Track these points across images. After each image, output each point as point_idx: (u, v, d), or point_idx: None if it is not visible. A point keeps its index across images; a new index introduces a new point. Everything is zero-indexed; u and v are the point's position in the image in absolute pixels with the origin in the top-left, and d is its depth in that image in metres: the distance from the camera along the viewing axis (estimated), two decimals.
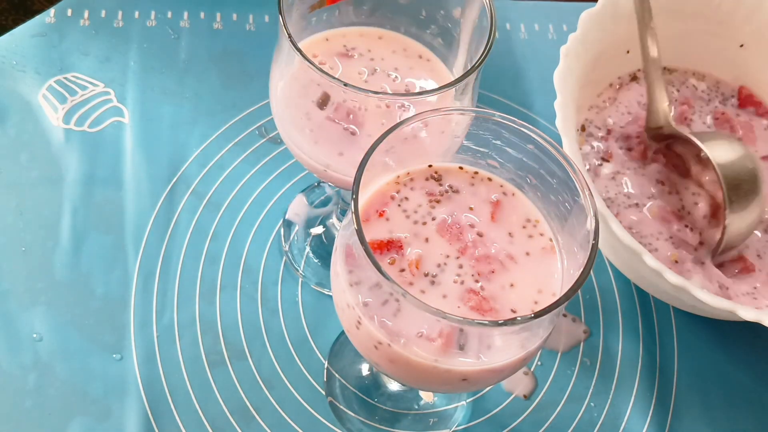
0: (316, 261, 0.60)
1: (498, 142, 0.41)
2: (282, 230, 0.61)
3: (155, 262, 0.58)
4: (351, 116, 0.44)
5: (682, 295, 0.51)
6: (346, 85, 0.40)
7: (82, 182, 0.60)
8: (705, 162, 0.59)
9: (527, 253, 0.41)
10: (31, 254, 0.57)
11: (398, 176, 0.42)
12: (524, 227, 0.41)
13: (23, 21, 0.68)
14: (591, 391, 0.57)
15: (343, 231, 0.39)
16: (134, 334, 0.55)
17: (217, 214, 0.61)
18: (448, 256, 0.39)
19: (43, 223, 0.58)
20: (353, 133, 0.45)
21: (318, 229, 0.63)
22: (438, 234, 0.40)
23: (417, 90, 0.48)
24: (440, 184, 0.42)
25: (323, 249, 0.61)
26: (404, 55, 0.50)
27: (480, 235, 0.40)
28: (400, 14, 0.50)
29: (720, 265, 0.59)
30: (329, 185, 0.64)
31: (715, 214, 0.59)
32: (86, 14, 0.70)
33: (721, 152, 0.58)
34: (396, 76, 0.49)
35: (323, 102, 0.44)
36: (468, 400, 0.56)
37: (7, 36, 0.67)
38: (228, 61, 0.69)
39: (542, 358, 0.58)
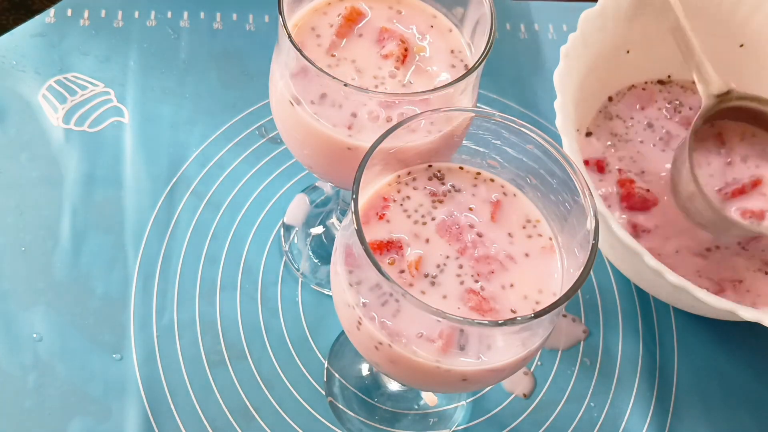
0: (316, 261, 0.60)
1: (498, 142, 0.41)
2: (282, 230, 0.61)
3: (155, 262, 0.58)
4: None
5: (682, 295, 0.51)
6: (346, 85, 0.40)
7: (82, 182, 0.60)
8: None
9: (527, 254, 0.41)
10: (31, 254, 0.57)
11: (399, 176, 0.42)
12: (524, 227, 0.41)
13: (24, 20, 0.68)
14: (591, 391, 0.57)
15: (343, 231, 0.39)
16: (134, 334, 0.55)
17: (217, 214, 0.61)
18: (447, 257, 0.39)
19: (43, 223, 0.58)
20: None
21: (318, 229, 0.63)
22: (438, 234, 0.40)
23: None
24: (443, 183, 0.42)
25: (323, 249, 0.61)
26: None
27: (480, 235, 0.40)
28: None
29: None
30: (329, 185, 0.64)
31: None
32: (86, 14, 0.69)
33: None
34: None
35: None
36: (468, 400, 0.56)
37: (7, 36, 0.67)
38: (228, 61, 0.69)
39: (542, 358, 0.58)
